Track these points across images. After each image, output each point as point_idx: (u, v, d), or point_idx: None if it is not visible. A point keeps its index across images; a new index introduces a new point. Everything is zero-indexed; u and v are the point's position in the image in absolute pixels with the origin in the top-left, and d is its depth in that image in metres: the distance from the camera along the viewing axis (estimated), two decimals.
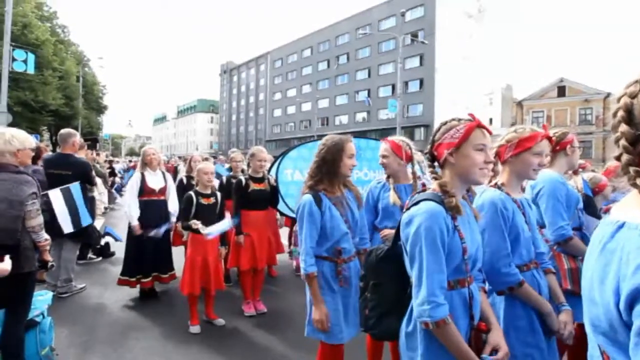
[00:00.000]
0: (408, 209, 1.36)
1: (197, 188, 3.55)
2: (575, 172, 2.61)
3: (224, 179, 4.61)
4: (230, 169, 5.30)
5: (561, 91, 34.03)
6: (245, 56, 73.46)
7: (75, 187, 3.87)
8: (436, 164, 1.44)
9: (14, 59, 12.24)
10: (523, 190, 1.88)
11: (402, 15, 30.56)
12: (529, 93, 36.67)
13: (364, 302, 1.56)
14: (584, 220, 2.29)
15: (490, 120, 37.54)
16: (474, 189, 1.77)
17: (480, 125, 1.36)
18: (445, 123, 1.42)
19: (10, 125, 11.33)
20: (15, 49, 12.48)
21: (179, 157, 16.52)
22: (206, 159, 5.69)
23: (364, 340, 2.52)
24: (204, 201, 3.46)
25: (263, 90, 59.07)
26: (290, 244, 5.69)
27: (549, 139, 1.77)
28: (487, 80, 37.92)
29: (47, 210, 3.38)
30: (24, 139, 2.51)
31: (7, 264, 1.84)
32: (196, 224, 3.28)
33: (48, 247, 2.59)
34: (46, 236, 2.55)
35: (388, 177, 2.53)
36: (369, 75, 42.97)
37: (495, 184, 1.75)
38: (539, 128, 1.77)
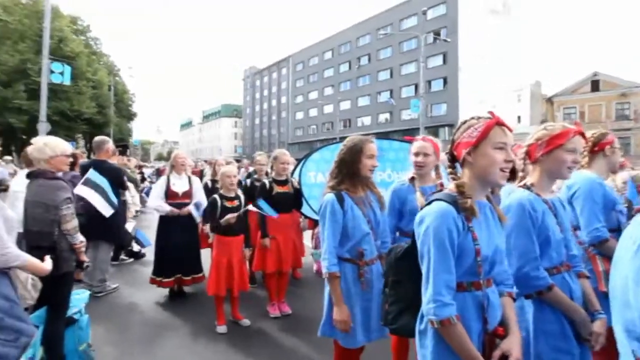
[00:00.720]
0: (422, 208, 1.36)
1: (221, 191, 3.63)
2: (614, 171, 2.50)
3: (249, 182, 4.70)
4: (249, 175, 5.38)
5: (595, 85, 32.39)
6: (267, 61, 74.39)
7: (92, 173, 3.97)
8: (457, 164, 1.42)
9: (51, 72, 12.98)
10: (556, 190, 1.82)
11: (424, 13, 30.12)
12: (560, 89, 35.14)
13: (385, 297, 1.58)
14: (624, 222, 2.18)
15: (519, 117, 36.31)
16: (497, 190, 1.72)
17: (499, 123, 1.33)
18: (465, 122, 1.39)
19: (49, 133, 12.01)
20: (53, 62, 13.22)
21: (205, 161, 16.94)
22: (229, 163, 5.80)
23: (389, 341, 2.49)
24: (228, 204, 3.54)
25: (285, 94, 59.67)
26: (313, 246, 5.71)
27: (582, 135, 1.70)
28: (514, 77, 36.77)
29: (83, 213, 3.56)
30: (55, 146, 2.63)
31: (48, 264, 1.96)
32: (229, 219, 3.38)
33: (83, 249, 2.73)
34: (81, 238, 2.69)
35: (412, 178, 2.48)
36: (391, 76, 42.57)
37: (525, 184, 1.69)
38: (570, 124, 1.71)
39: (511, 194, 1.66)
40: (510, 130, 1.35)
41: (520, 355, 1.29)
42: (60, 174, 2.69)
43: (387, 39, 40.23)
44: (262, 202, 3.49)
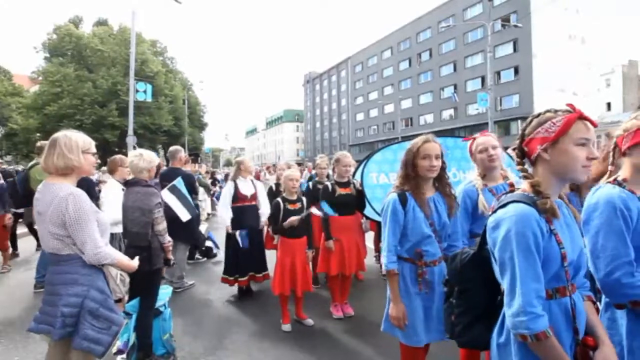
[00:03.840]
0: (495, 211, 1.26)
1: (284, 194, 3.75)
2: None
3: (311, 184, 4.79)
4: (310, 178, 5.47)
5: None
6: (326, 64, 75.50)
7: (179, 182, 4.42)
8: (526, 161, 1.31)
9: (137, 91, 14.64)
10: None
11: (490, 0, 28.14)
12: None
13: (449, 308, 1.48)
14: None
15: (608, 105, 32.16)
16: (585, 190, 1.54)
17: (582, 117, 1.20)
18: (538, 115, 1.27)
19: (136, 145, 13.51)
20: (137, 82, 14.92)
21: (269, 167, 17.67)
22: (290, 167, 5.98)
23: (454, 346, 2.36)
24: (290, 207, 3.64)
25: (345, 96, 59.94)
26: (376, 248, 5.63)
27: None
28: (602, 59, 32.60)
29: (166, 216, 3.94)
30: (154, 158, 3.07)
31: (135, 262, 2.22)
32: (292, 222, 3.49)
33: (171, 248, 3.06)
34: (169, 238, 3.02)
35: (484, 176, 2.33)
36: (455, 69, 40.43)
37: (615, 179, 1.49)
38: None
39: (597, 191, 1.48)
40: (595, 125, 1.21)
41: None
42: (150, 182, 3.05)
43: (450, 31, 38.26)
44: (324, 205, 3.56)
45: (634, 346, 1.37)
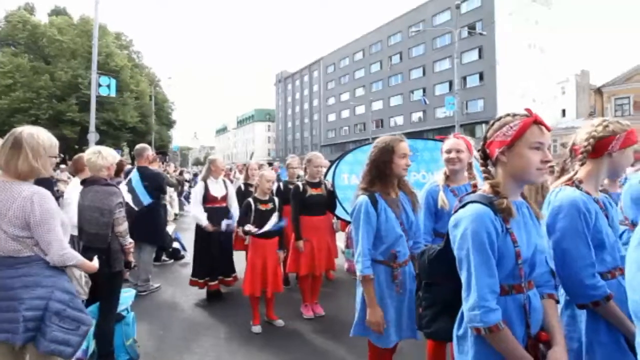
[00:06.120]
0: (456, 211, 1.31)
1: (256, 194, 3.71)
2: None
3: (282, 184, 4.76)
4: (278, 178, 5.43)
5: None
6: (298, 64, 75.39)
7: (134, 175, 4.29)
8: (489, 162, 1.36)
9: (99, 85, 13.93)
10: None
11: (457, 7, 29.13)
12: (610, 78, 32.62)
13: (418, 301, 1.55)
14: None
15: (563, 111, 34.27)
16: (548, 188, 1.62)
17: (537, 121, 1.25)
18: (500, 119, 1.33)
19: (98, 142, 12.86)
20: (100, 76, 14.19)
21: (239, 165, 17.38)
22: (261, 166, 5.90)
23: (424, 344, 2.43)
24: (261, 207, 3.61)
25: (317, 96, 60.06)
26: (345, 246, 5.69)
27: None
28: (558, 68, 34.73)
29: (127, 217, 3.78)
30: (113, 155, 2.93)
31: (95, 263, 2.13)
32: (250, 227, 3.46)
33: (132, 250, 2.93)
34: (130, 240, 2.89)
35: (447, 177, 2.41)
36: (424, 74, 41.61)
37: (573, 182, 1.55)
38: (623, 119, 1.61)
39: (559, 193, 1.53)
40: (549, 130, 1.27)
41: None
42: (110, 180, 2.91)
43: (419, 36, 39.38)
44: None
45: (592, 342, 1.44)
